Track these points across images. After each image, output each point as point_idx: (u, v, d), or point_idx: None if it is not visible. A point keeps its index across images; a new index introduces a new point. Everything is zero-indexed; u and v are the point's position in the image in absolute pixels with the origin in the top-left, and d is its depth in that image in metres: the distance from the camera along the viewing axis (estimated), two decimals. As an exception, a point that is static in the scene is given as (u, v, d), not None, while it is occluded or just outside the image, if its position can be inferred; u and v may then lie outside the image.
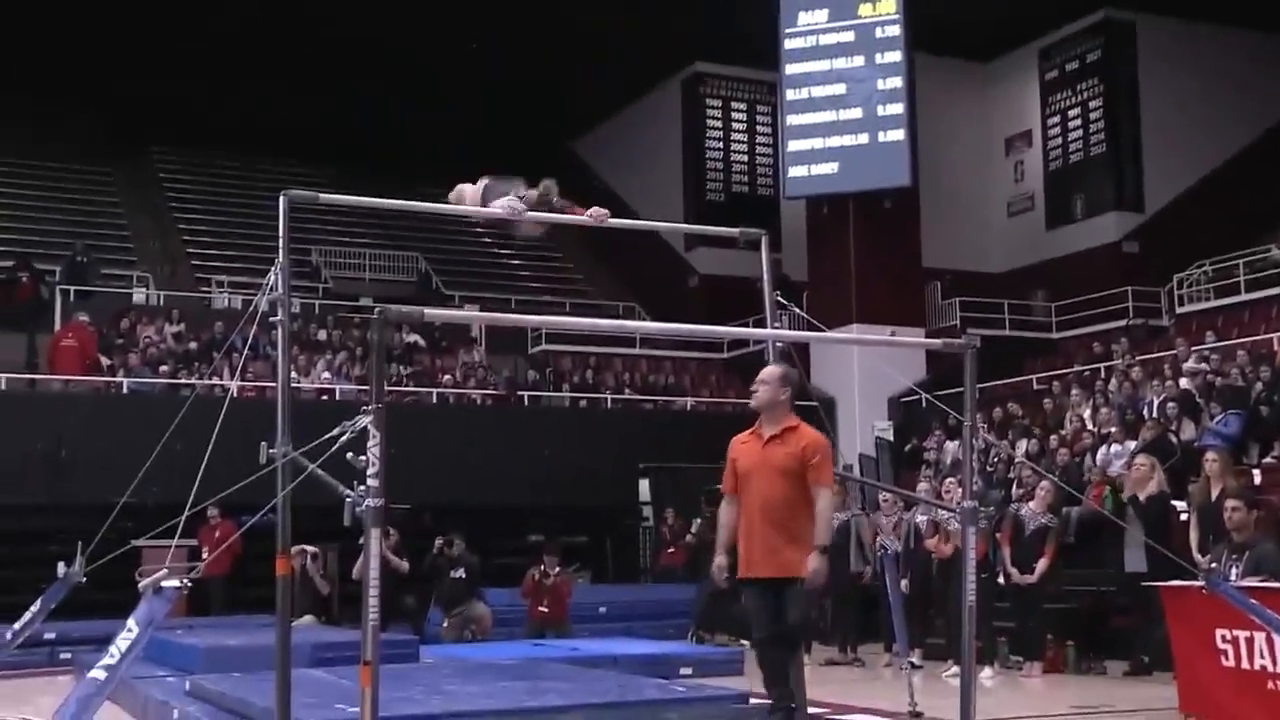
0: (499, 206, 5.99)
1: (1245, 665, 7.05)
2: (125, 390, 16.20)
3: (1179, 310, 19.52)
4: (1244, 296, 18.35)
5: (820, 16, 20.43)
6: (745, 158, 24.79)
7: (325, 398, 16.89)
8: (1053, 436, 14.27)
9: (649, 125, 25.64)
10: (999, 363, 17.97)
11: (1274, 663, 6.88)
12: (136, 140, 25.64)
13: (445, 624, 13.06)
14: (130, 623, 4.34)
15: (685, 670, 10.06)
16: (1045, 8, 21.84)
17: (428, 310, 5.25)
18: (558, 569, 13.43)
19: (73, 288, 19.13)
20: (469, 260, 24.74)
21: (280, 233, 5.71)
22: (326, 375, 17.46)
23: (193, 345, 17.62)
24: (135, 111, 24.79)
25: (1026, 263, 22.72)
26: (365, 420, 4.46)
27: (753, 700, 7.35)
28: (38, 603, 5.33)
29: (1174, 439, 12.64)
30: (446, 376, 18.66)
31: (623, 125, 26.43)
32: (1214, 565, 7.77)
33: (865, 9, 20.20)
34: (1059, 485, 10.76)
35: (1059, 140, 22.58)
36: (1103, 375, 16.57)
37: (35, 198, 22.96)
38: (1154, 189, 21.78)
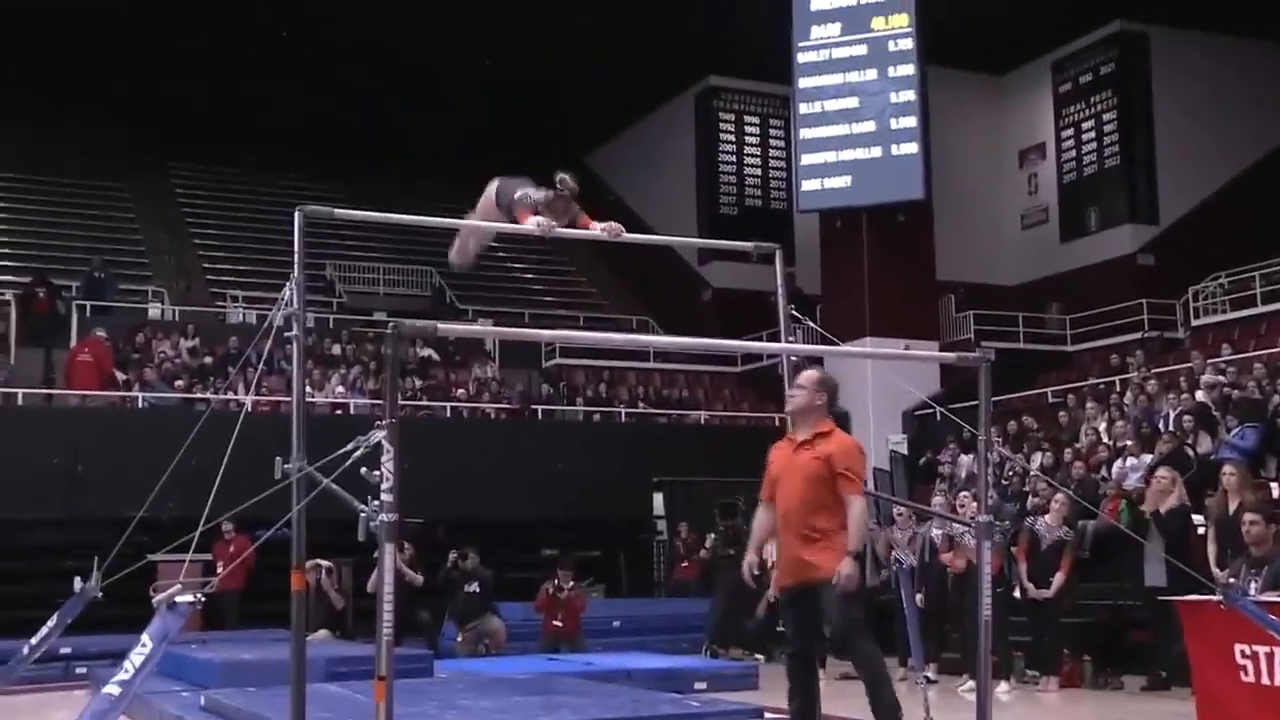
0: (531, 223, 6.03)
1: (1265, 681, 6.96)
2: (141, 405, 16.22)
3: (1194, 323, 19.44)
4: (1260, 309, 18.26)
5: (833, 30, 20.43)
6: (758, 171, 24.80)
7: (339, 412, 16.90)
8: (1067, 450, 14.18)
9: (662, 139, 25.67)
10: (1013, 376, 17.92)
11: (1294, 679, 6.80)
12: (152, 155, 25.75)
13: (459, 638, 13.02)
14: (144, 637, 4.33)
15: (700, 685, 10.01)
16: (1059, 20, 21.81)
17: (441, 325, 5.25)
18: (572, 583, 13.37)
19: (89, 303, 19.20)
20: (483, 274, 24.74)
21: (295, 248, 5.74)
22: (340, 390, 17.46)
23: (208, 360, 17.66)
24: (150, 127, 24.92)
25: (1040, 275, 22.69)
26: (379, 435, 4.46)
27: (768, 715, 7.32)
28: (54, 617, 5.35)
29: (1190, 452, 12.54)
30: (460, 390, 18.66)
31: (636, 139, 26.46)
32: (1232, 580, 7.67)
33: (878, 22, 20.19)
34: (1073, 498, 10.70)
35: (1073, 153, 22.54)
36: (1118, 388, 16.45)
37: (50, 213, 23.06)
38: (1169, 201, 21.73)
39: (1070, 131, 22.64)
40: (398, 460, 4.42)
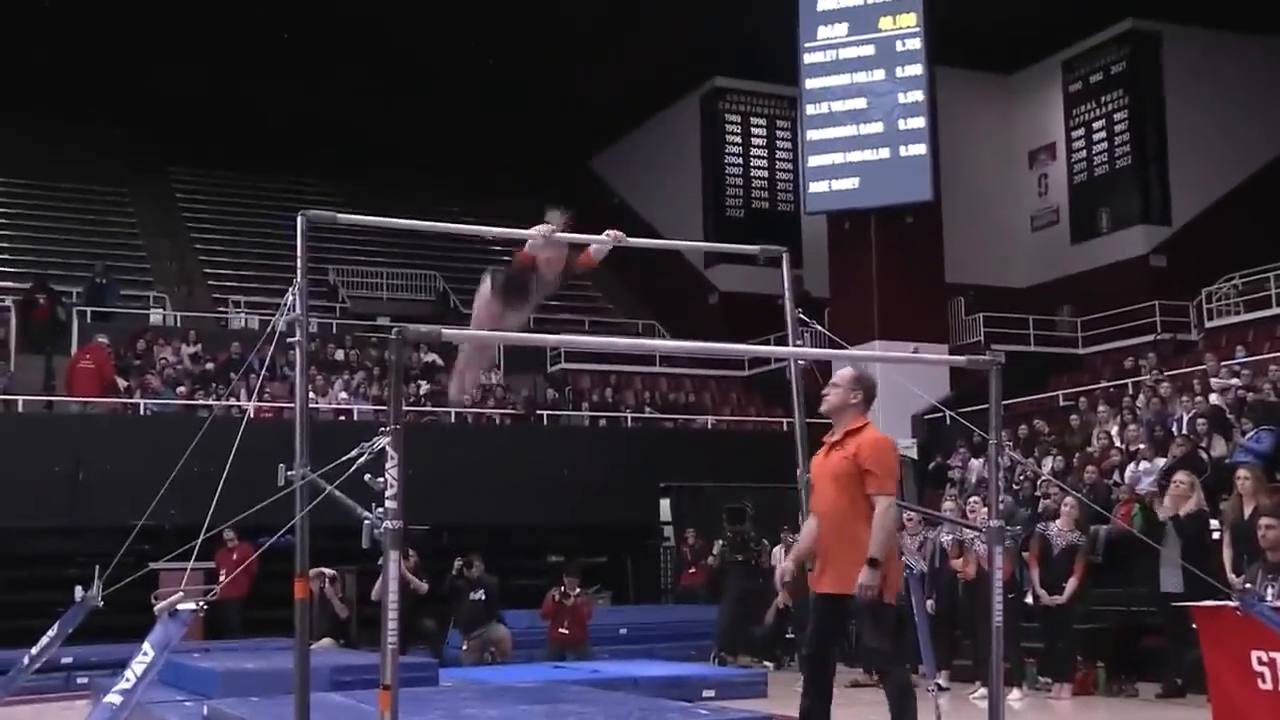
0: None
1: (1283, 688, 6.86)
2: (143, 412, 16.17)
3: (1208, 325, 19.32)
4: (1275, 310, 18.15)
5: (840, 30, 20.37)
6: (765, 173, 24.72)
7: (343, 418, 16.82)
8: (1078, 454, 14.07)
9: (668, 141, 25.60)
10: (1024, 379, 17.77)
11: (1313, 687, 6.67)
12: (153, 160, 25.72)
13: (465, 646, 12.98)
14: (146, 646, 4.36)
15: (708, 693, 9.97)
16: (1069, 19, 21.71)
17: (446, 329, 5.17)
18: (578, 590, 13.29)
19: (90, 309, 19.14)
20: (488, 279, 24.68)
21: (298, 253, 5.72)
22: (344, 395, 17.39)
23: (209, 366, 17.58)
24: (151, 131, 24.90)
25: (1051, 277, 22.59)
26: (383, 441, 4.43)
27: None
28: (55, 626, 5.37)
29: (1205, 456, 12.44)
30: (465, 396, 18.53)
31: (641, 141, 26.39)
32: (1249, 585, 7.63)
33: (885, 22, 20.12)
34: (1083, 501, 10.64)
35: (1083, 153, 22.44)
36: (1130, 391, 16.36)
37: (51, 219, 23.04)
38: (1181, 201, 21.60)
39: (1081, 131, 22.53)
40: (402, 466, 4.37)
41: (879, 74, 20.13)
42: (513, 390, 19.40)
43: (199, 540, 5.39)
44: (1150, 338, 19.49)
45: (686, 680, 10.31)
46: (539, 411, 18.77)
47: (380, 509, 4.43)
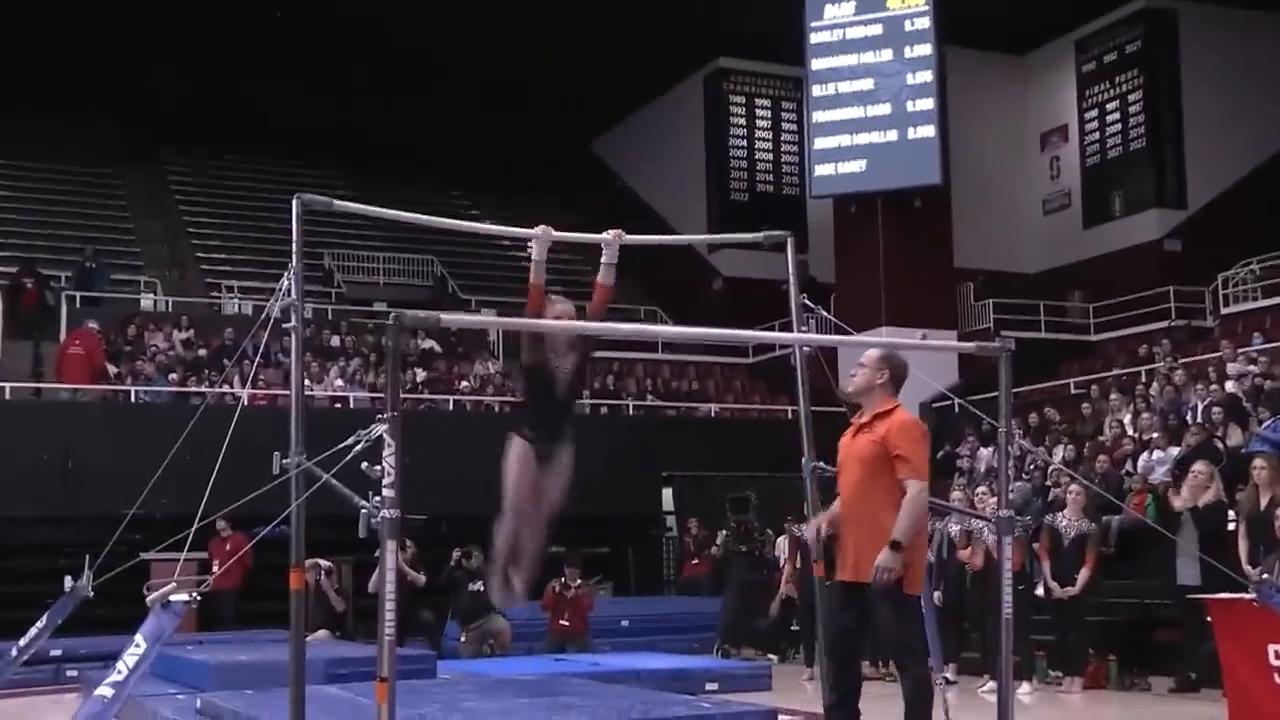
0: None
1: (1299, 682, 6.72)
2: (134, 399, 16.06)
3: (1224, 311, 19.16)
4: (1292, 296, 17.95)
5: (847, 9, 20.24)
6: (770, 156, 24.51)
7: (339, 406, 16.71)
8: (1089, 443, 13.96)
9: (671, 123, 25.42)
10: (1034, 366, 17.62)
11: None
12: (145, 143, 25.62)
13: (463, 638, 12.85)
14: (138, 638, 4.40)
15: (711, 686, 9.90)
16: (1082, -3, 21.44)
17: (444, 315, 5.11)
18: (579, 581, 13.19)
19: (79, 294, 18.97)
20: (486, 264, 24.44)
21: (293, 236, 5.67)
22: (340, 383, 17.27)
23: (202, 352, 17.44)
24: (143, 116, 24.80)
25: (1063, 262, 22.40)
26: (380, 429, 4.42)
27: (781, 716, 7.22)
28: (44, 618, 5.44)
29: (1220, 445, 12.32)
30: (464, 383, 18.39)
31: (644, 123, 26.23)
32: (1265, 576, 7.50)
33: (894, 1, 20.02)
34: (1089, 487, 10.52)
35: (1097, 135, 22.23)
36: (1143, 379, 16.26)
37: (42, 203, 22.87)
38: (1197, 185, 21.36)
39: (1094, 113, 22.29)
40: (399, 454, 4.34)
41: (887, 54, 20.00)
42: (512, 377, 19.18)
43: (192, 530, 5.43)
44: (1164, 324, 19.32)
45: (689, 673, 10.23)
46: (539, 399, 18.54)
47: (377, 498, 4.40)
